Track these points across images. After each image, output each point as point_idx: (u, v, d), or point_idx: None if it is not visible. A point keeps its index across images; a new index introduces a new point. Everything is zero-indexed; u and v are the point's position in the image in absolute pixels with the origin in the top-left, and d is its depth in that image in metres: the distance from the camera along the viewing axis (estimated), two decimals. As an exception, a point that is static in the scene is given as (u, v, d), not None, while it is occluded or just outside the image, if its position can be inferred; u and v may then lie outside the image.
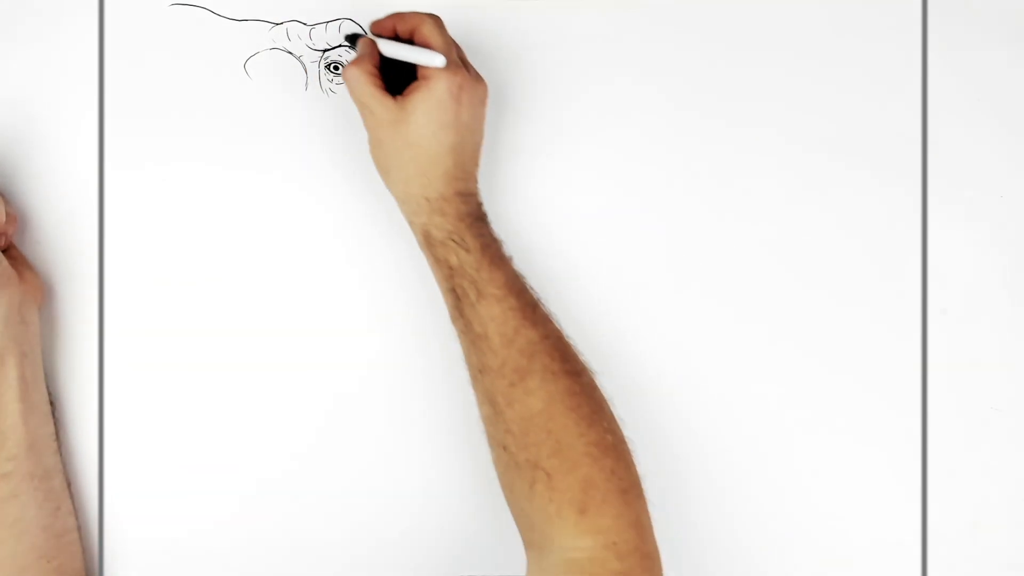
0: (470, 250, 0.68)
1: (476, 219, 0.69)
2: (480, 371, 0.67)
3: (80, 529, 0.72)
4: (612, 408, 0.67)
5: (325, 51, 0.75)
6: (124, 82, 0.74)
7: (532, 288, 0.69)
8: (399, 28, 0.69)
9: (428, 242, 0.69)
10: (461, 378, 0.69)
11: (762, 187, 0.76)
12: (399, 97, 0.67)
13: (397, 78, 0.68)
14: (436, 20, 0.68)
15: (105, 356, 0.74)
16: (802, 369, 0.76)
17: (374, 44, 0.69)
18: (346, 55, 0.75)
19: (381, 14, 0.73)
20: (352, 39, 0.70)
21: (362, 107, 0.68)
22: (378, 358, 0.75)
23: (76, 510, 0.72)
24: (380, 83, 0.67)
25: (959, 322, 0.77)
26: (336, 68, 0.75)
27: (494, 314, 0.67)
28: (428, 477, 0.74)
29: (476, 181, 0.70)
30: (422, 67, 0.67)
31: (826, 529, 0.76)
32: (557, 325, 0.69)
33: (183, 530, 0.74)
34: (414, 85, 0.67)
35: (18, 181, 0.74)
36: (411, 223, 0.70)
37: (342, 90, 0.75)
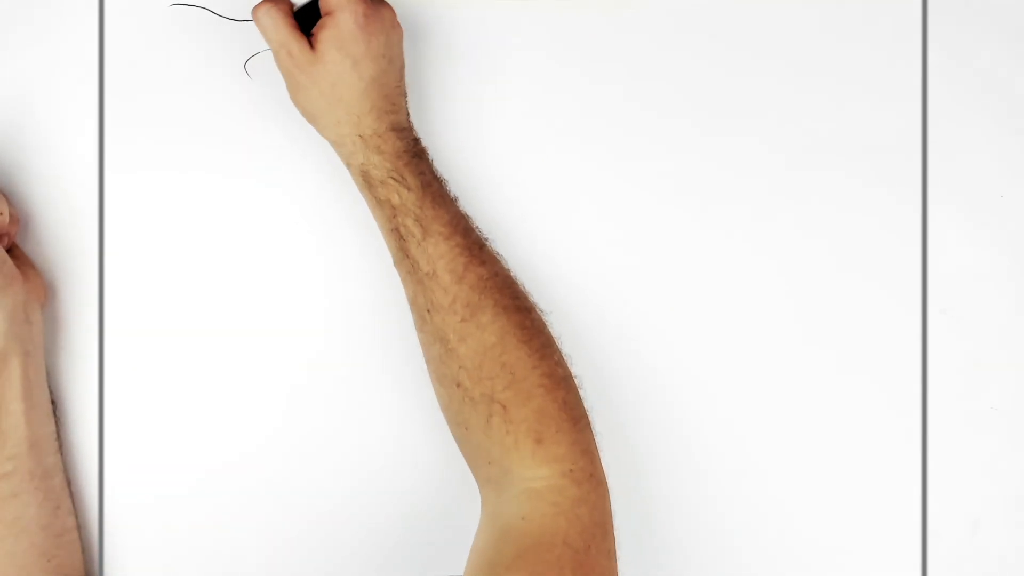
0: (411, 188, 0.68)
1: (414, 156, 0.69)
2: (429, 311, 0.68)
3: (79, 528, 0.72)
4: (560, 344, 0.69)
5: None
6: (124, 82, 0.74)
7: (478, 228, 0.70)
8: None
9: (368, 183, 0.69)
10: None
11: (762, 187, 0.76)
12: (309, 38, 0.67)
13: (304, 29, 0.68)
14: None
15: (105, 356, 0.74)
16: (802, 369, 0.76)
17: None
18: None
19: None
20: None
21: (279, 48, 0.67)
22: (386, 358, 0.75)
23: (76, 509, 0.72)
24: (294, 22, 0.67)
25: (959, 322, 0.77)
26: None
27: (442, 251, 0.67)
28: (435, 474, 0.75)
29: (407, 114, 0.70)
30: (324, 2, 0.67)
31: (826, 529, 0.76)
32: (504, 264, 0.69)
33: (183, 530, 0.74)
34: (319, 24, 0.67)
35: (20, 182, 0.74)
36: (348, 165, 0.69)
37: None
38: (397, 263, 0.69)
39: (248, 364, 0.74)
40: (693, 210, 0.76)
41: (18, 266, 0.69)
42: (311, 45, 0.67)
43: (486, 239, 0.70)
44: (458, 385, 0.67)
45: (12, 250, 0.71)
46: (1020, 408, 0.77)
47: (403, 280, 0.69)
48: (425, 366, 0.70)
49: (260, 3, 0.67)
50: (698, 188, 0.76)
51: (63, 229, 0.74)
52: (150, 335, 0.74)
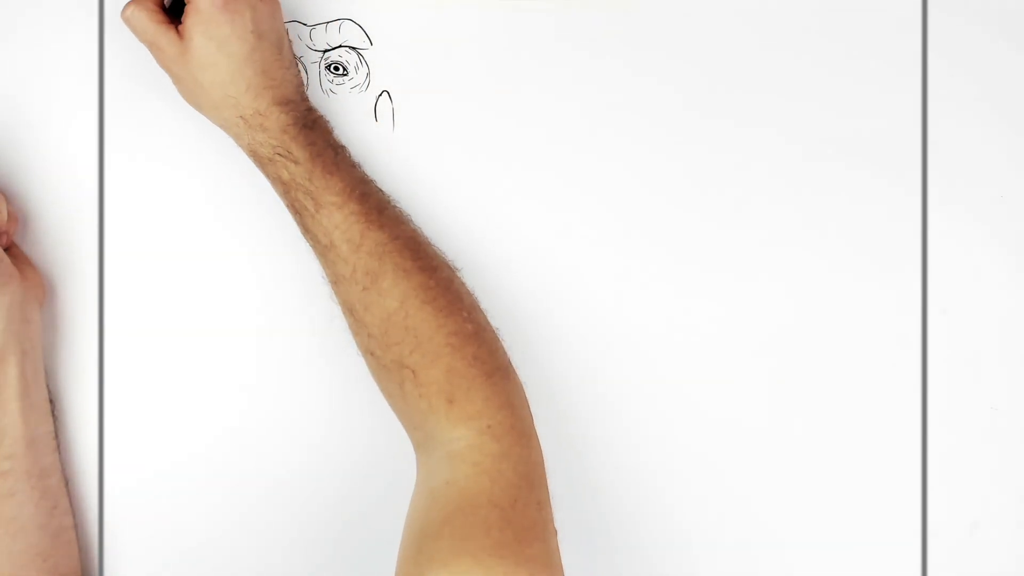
0: (299, 161, 0.67)
1: (303, 127, 0.68)
2: (335, 282, 0.68)
3: (76, 528, 0.72)
4: (475, 299, 0.68)
5: (325, 52, 0.75)
6: (124, 82, 0.74)
7: (380, 191, 0.69)
8: None
9: (259, 162, 0.69)
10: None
11: (761, 186, 0.76)
12: (180, 27, 0.67)
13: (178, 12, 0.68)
14: None
15: (105, 355, 0.74)
16: (802, 369, 0.76)
17: None
18: (346, 55, 0.75)
19: (382, 15, 0.73)
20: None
21: (150, 46, 0.68)
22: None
23: (73, 509, 0.72)
24: (162, 17, 0.67)
25: (959, 322, 0.77)
26: (336, 69, 0.75)
27: (336, 222, 0.67)
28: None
29: (295, 85, 0.69)
30: None
31: (826, 529, 0.76)
32: (409, 225, 0.69)
33: (183, 529, 0.74)
34: (185, 11, 0.67)
35: (19, 180, 0.74)
36: (240, 147, 0.69)
37: (342, 91, 0.75)
38: (303, 236, 0.69)
39: (248, 364, 0.74)
40: (692, 209, 0.76)
41: (16, 265, 0.70)
42: (179, 29, 0.67)
43: (388, 201, 0.69)
44: (371, 354, 0.67)
45: (10, 249, 0.71)
46: (1020, 408, 0.76)
47: (313, 253, 0.69)
48: None
49: (125, 5, 0.67)
50: (697, 188, 0.76)
51: (63, 228, 0.74)
52: (150, 335, 0.74)
